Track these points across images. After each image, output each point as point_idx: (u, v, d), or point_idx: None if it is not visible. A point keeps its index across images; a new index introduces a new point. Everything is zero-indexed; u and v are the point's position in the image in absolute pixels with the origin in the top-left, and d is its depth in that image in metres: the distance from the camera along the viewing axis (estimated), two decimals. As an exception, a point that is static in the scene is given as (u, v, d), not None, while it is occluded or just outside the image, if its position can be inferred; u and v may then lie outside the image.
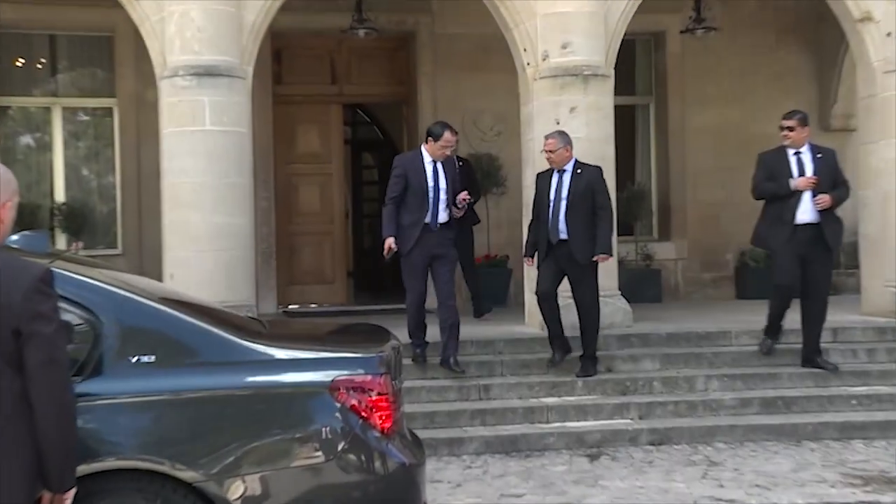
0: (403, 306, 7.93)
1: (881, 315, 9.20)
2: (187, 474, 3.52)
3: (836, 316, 9.04)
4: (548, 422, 7.49)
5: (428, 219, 7.53)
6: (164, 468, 3.50)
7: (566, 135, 7.81)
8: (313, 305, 11.73)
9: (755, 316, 8.78)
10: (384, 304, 11.32)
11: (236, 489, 3.59)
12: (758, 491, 6.02)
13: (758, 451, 7.10)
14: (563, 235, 7.60)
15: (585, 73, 8.74)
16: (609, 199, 7.84)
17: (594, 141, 8.74)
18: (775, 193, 7.94)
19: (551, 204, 7.66)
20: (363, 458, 3.77)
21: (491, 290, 10.51)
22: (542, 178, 7.85)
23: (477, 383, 7.86)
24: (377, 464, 3.78)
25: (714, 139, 12.18)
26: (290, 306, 11.58)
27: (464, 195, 7.79)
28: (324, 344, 4.45)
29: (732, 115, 12.13)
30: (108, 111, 11.38)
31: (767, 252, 8.97)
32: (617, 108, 9.21)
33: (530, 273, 9.09)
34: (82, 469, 3.44)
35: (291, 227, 11.86)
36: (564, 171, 7.68)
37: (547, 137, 7.81)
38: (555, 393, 7.82)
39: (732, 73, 12.20)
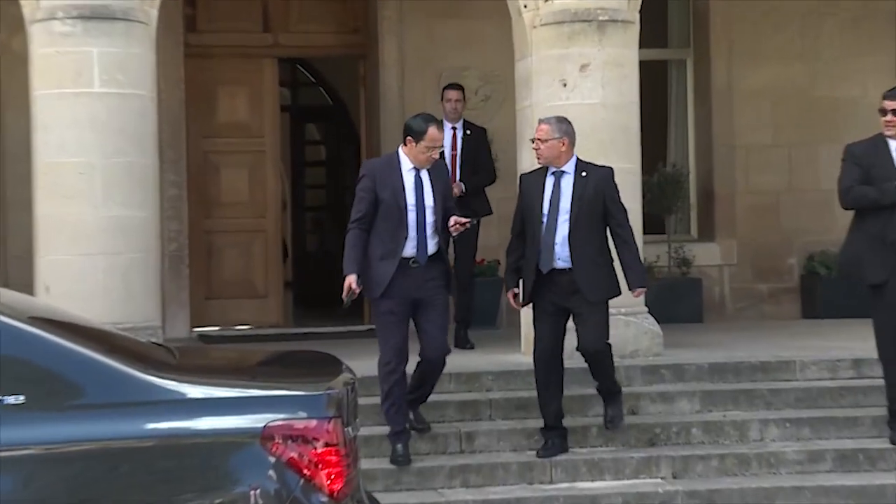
0: (360, 328, 7.92)
1: None
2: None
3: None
4: (551, 481, 7.49)
5: (409, 250, 7.17)
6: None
7: (567, 123, 7.47)
8: (239, 327, 11.69)
9: (827, 341, 8.83)
10: (334, 326, 11.30)
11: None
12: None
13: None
14: (563, 263, 7.31)
15: (601, 18, 8.77)
16: (626, 213, 7.53)
17: (612, 108, 8.77)
18: (876, 202, 7.51)
19: (544, 218, 7.34)
20: (305, 530, 3.78)
21: (477, 306, 10.53)
22: (531, 182, 7.56)
23: (457, 430, 7.84)
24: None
25: (772, 106, 12.24)
26: (208, 328, 11.54)
27: (458, 220, 7.27)
28: (253, 378, 4.45)
29: (795, 73, 12.20)
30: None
31: (860, 282, 7.90)
32: (643, 64, 9.24)
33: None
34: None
35: (210, 223, 11.82)
36: (563, 172, 7.37)
37: (540, 122, 7.55)
38: (561, 443, 7.82)
39: (795, 18, 12.27)
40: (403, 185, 7.19)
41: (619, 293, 7.48)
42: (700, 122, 12.56)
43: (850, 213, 7.85)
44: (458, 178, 9.58)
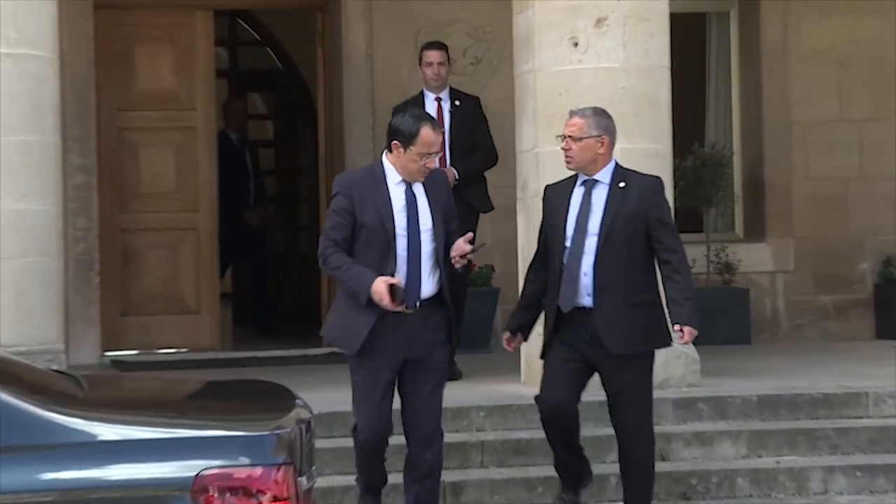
0: (317, 351, 7.92)
1: None
2: None
3: None
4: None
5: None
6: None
7: (608, 118, 7.13)
8: (164, 351, 11.69)
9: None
10: (283, 349, 11.32)
11: None
12: None
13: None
14: (588, 300, 6.93)
15: (623, -42, 8.83)
16: (678, 236, 7.16)
17: (636, 74, 8.80)
18: None
19: (568, 241, 6.97)
20: None
21: (467, 322, 10.53)
22: (555, 194, 7.23)
23: (441, 480, 7.87)
24: None
25: (838, 71, 12.28)
26: (123, 352, 11.53)
27: (463, 248, 6.76)
28: (182, 416, 4.47)
29: (868, 30, 12.24)
30: None
31: None
32: (676, 18, 9.28)
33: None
34: None
35: (126, 219, 11.83)
36: (596, 181, 6.99)
37: (572, 114, 7.12)
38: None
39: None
40: (391, 203, 6.72)
41: (661, 345, 7.14)
42: (747, 92, 12.61)
43: None
44: (448, 162, 9.53)
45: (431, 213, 6.77)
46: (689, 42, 11.68)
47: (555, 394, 7.00)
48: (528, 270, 7.37)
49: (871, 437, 8.48)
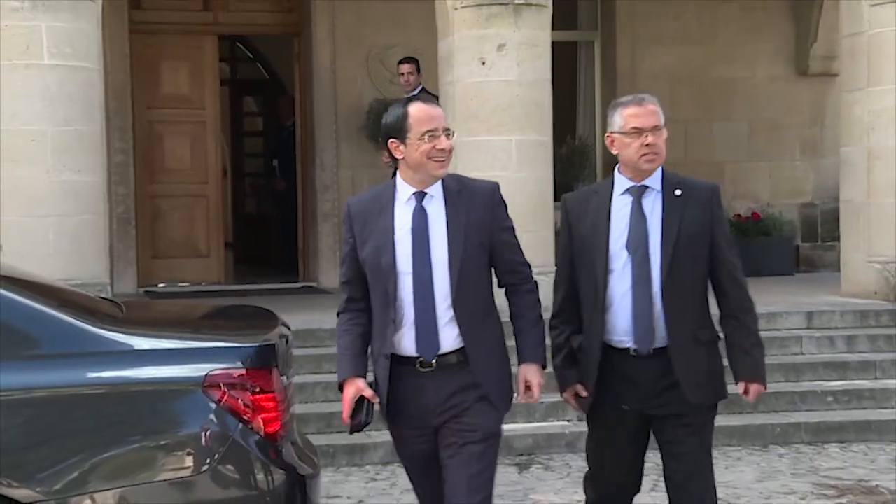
0: (295, 285, 7.78)
1: (863, 296, 9.50)
2: (21, 492, 3.51)
3: (812, 297, 9.32)
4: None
5: (406, 344, 3.93)
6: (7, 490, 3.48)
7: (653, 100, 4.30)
8: (183, 284, 11.63)
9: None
10: (270, 283, 11.32)
11: (85, 509, 3.59)
12: (716, 504, 6.04)
13: (718, 458, 7.25)
14: (663, 341, 4.13)
15: (517, 1, 8.78)
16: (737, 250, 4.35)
17: (527, 85, 8.81)
18: None
19: (615, 263, 4.15)
20: (244, 468, 3.80)
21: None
22: (585, 205, 4.31)
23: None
24: (261, 475, 3.81)
25: (671, 85, 12.37)
26: (154, 285, 11.47)
27: (530, 382, 4.03)
28: (195, 331, 4.46)
29: (693, 56, 12.34)
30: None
31: None
32: (555, 45, 9.29)
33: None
34: None
35: (155, 188, 11.73)
36: (646, 188, 4.19)
37: (640, 100, 4.25)
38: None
39: (694, 5, 12.39)
40: (393, 228, 3.92)
41: (723, 396, 4.26)
42: (606, 100, 12.61)
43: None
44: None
45: (449, 237, 3.88)
46: (565, 63, 11.70)
47: (619, 475, 4.33)
48: (555, 310, 4.31)
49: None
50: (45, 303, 3.89)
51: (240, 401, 3.76)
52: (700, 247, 4.13)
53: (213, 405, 3.73)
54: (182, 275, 11.77)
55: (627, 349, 4.11)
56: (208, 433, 3.72)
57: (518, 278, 4.01)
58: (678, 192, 4.16)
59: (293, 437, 4.13)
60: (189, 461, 3.71)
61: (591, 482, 4.42)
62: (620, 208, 4.17)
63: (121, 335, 3.90)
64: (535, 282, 4.06)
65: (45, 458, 3.59)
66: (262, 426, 3.79)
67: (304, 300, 10.12)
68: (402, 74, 9.90)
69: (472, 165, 8.66)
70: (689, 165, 11.84)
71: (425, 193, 3.91)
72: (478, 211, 3.91)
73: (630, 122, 4.14)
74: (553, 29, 9.15)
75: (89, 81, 8.37)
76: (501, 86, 8.68)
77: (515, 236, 4.03)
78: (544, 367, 4.03)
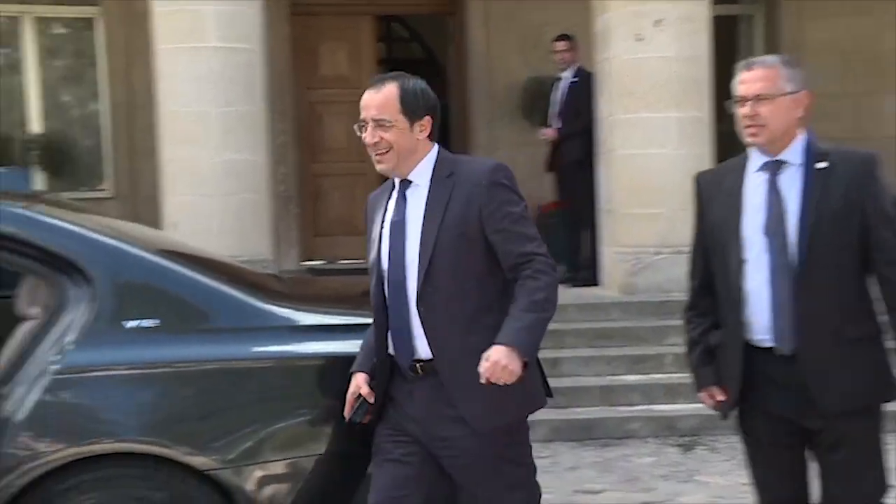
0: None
1: None
2: (198, 460, 3.61)
3: None
4: (631, 404, 7.51)
5: (392, 346, 3.51)
6: (171, 453, 3.59)
7: (798, 65, 3.67)
8: (343, 261, 11.80)
9: None
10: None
11: (257, 479, 3.67)
12: None
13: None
14: (790, 339, 3.53)
15: (677, -25, 8.63)
16: None
17: (684, 61, 8.64)
18: None
19: (748, 249, 3.57)
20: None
21: (559, 246, 10.46)
22: (718, 184, 3.75)
23: (542, 357, 7.87)
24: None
25: (839, 58, 11.94)
26: (315, 262, 11.66)
27: (495, 362, 3.22)
28: (357, 307, 4.49)
29: (863, 27, 11.87)
30: (90, 23, 11.46)
31: None
32: (715, 19, 9.08)
33: (608, 224, 9.04)
34: (73, 452, 3.56)
35: (315, 167, 11.91)
36: (782, 163, 3.58)
37: (751, 64, 3.61)
38: (639, 370, 7.80)
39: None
40: (383, 221, 3.59)
41: (890, 396, 3.62)
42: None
43: None
44: (561, 124, 9.54)
45: (423, 235, 3.39)
46: (725, 37, 11.41)
47: (777, 489, 3.76)
48: (688, 301, 3.85)
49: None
50: (216, 278, 3.97)
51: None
52: (848, 228, 3.47)
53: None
54: (342, 252, 11.92)
55: (770, 349, 3.53)
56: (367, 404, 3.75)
57: (519, 271, 3.32)
58: (822, 166, 3.52)
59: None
60: (352, 433, 3.76)
61: (754, 490, 3.84)
62: (755, 188, 3.58)
63: (286, 311, 3.96)
64: (545, 268, 3.32)
65: (218, 428, 3.69)
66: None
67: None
68: (557, 52, 9.83)
69: (629, 143, 8.60)
70: (857, 140, 11.47)
71: (410, 182, 3.48)
72: (462, 197, 3.36)
73: (737, 89, 3.59)
74: (714, 2, 8.95)
75: (251, 63, 8.56)
76: (659, 62, 8.53)
77: (523, 223, 3.38)
78: (525, 357, 3.25)
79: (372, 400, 3.49)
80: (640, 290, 8.51)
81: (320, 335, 3.96)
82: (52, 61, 11.58)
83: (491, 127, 11.69)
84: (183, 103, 8.38)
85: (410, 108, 3.41)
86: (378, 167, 3.48)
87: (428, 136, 3.47)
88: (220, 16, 8.36)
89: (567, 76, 9.69)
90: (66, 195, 8.88)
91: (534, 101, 11.01)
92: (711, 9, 8.88)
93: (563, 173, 9.74)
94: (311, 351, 3.89)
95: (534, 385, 3.52)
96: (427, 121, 3.45)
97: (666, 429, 7.23)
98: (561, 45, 9.83)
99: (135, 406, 3.60)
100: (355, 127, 3.53)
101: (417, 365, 3.41)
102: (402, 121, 3.40)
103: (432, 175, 3.44)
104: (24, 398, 3.59)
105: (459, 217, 3.33)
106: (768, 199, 3.53)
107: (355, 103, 10.58)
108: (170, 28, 8.40)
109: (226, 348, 3.77)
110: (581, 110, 9.42)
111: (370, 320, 3.58)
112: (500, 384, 3.20)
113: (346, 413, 3.54)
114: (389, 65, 15.53)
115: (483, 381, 3.19)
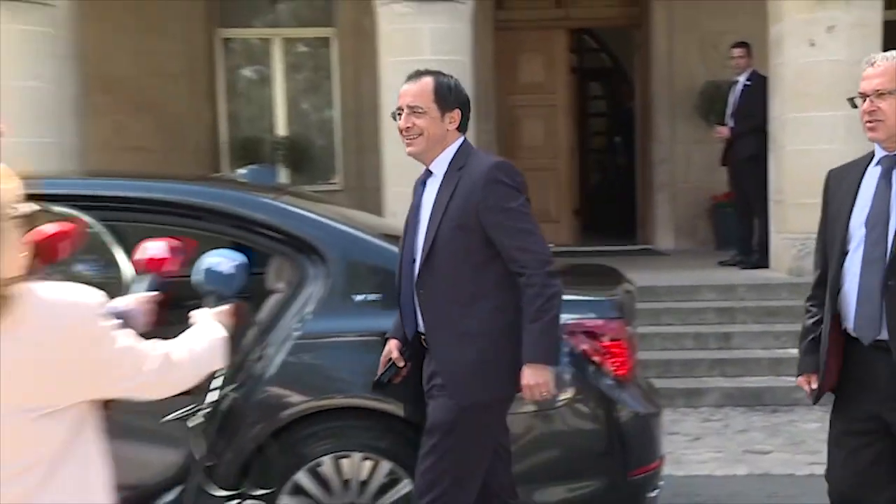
0: (635, 247, 7.69)
1: None
2: (413, 414, 3.65)
3: None
4: (797, 375, 7.23)
5: (403, 318, 3.47)
6: (391, 408, 3.65)
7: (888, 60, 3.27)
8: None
9: None
10: (612, 246, 11.27)
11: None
12: None
13: None
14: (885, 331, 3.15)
15: (849, -16, 8.22)
16: None
17: (855, 65, 8.18)
18: None
19: (852, 242, 3.29)
20: (596, 405, 3.81)
21: (731, 232, 10.18)
22: (841, 179, 3.44)
23: (716, 331, 7.70)
24: (611, 412, 3.81)
25: None
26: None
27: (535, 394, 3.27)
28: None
29: None
30: (326, 42, 11.79)
31: None
32: (887, 24, 8.60)
33: (777, 213, 8.73)
34: (313, 405, 3.68)
35: (514, 163, 11.85)
36: None
37: (874, 61, 3.26)
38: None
39: None
40: (420, 206, 3.47)
41: None
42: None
43: None
44: (734, 123, 9.28)
45: (429, 223, 3.34)
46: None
47: (841, 480, 3.36)
48: (811, 289, 3.49)
49: None
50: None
51: (593, 347, 3.77)
52: None
53: (569, 350, 3.75)
54: (536, 237, 11.94)
55: (858, 339, 3.19)
56: (565, 374, 3.74)
57: (517, 266, 3.23)
58: None
59: (638, 381, 4.10)
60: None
61: (826, 478, 3.42)
62: (870, 181, 3.24)
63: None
64: (536, 269, 3.21)
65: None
66: (612, 370, 3.79)
67: (642, 261, 10.02)
68: (734, 58, 9.53)
69: (799, 140, 8.31)
70: None
71: (431, 172, 3.40)
72: (465, 191, 3.25)
73: (860, 85, 3.23)
74: (885, 8, 8.48)
75: (461, 73, 8.52)
76: (830, 65, 8.14)
77: (519, 218, 3.25)
78: (549, 364, 3.21)
79: (401, 364, 3.45)
80: (806, 273, 8.07)
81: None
82: (294, 75, 11.97)
83: (671, 126, 11.46)
84: (400, 109, 8.51)
85: (443, 98, 3.33)
86: (407, 150, 3.38)
87: (457, 129, 3.38)
88: (435, 33, 8.45)
89: (741, 79, 9.38)
90: (305, 188, 9.19)
91: (710, 102, 10.76)
92: (883, 14, 8.42)
93: (735, 167, 9.46)
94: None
95: (515, 370, 3.24)
96: (457, 113, 3.37)
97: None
98: (738, 51, 9.52)
99: (362, 368, 3.67)
100: (392, 114, 3.40)
101: (422, 337, 3.37)
102: (434, 109, 3.32)
103: (448, 166, 3.35)
104: (273, 358, 3.74)
105: (460, 209, 3.24)
106: (875, 192, 3.20)
107: (549, 107, 10.69)
108: (392, 44, 8.55)
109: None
110: (753, 111, 9.10)
111: (567, 297, 3.54)
112: (539, 397, 3.24)
113: (379, 372, 3.50)
114: (580, 73, 15.45)
115: (536, 398, 3.25)
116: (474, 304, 3.25)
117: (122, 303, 2.53)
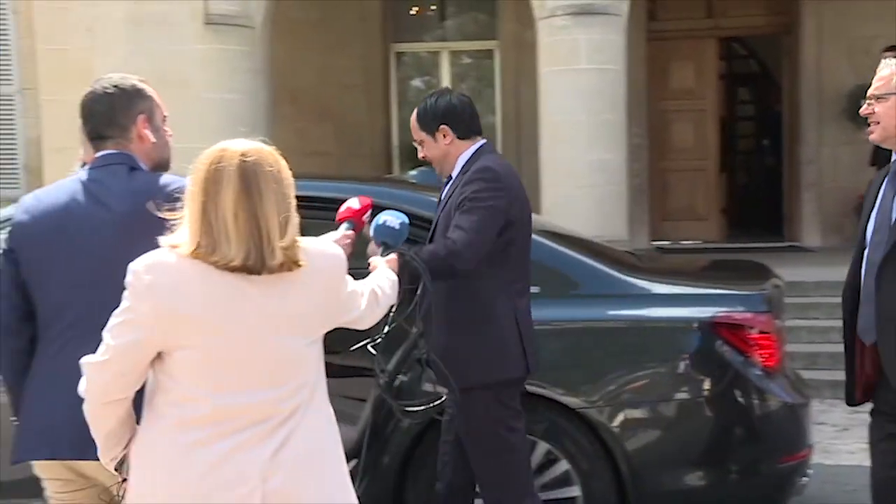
0: (782, 244, 7.37)
1: None
2: (571, 400, 3.63)
3: None
4: None
5: None
6: (549, 393, 3.62)
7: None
8: (685, 242, 11.52)
9: None
10: (760, 243, 10.89)
11: (617, 418, 3.63)
12: None
13: None
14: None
15: None
16: None
17: None
18: None
19: (868, 244, 3.08)
20: (745, 395, 3.67)
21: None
22: (875, 182, 3.21)
23: (817, 326, 7.31)
24: (761, 401, 3.67)
25: None
26: (662, 242, 11.46)
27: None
28: (702, 280, 4.36)
29: None
30: (489, 53, 11.80)
31: None
32: None
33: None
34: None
35: (664, 164, 11.67)
36: None
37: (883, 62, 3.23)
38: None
39: None
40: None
41: None
42: None
43: None
44: None
45: (436, 217, 3.38)
46: None
47: (877, 477, 3.14)
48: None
49: None
50: (584, 253, 3.99)
51: (742, 339, 3.63)
52: None
53: (719, 342, 3.63)
54: (685, 234, 11.66)
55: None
56: (714, 365, 3.63)
57: (448, 238, 3.10)
58: None
59: (786, 372, 3.92)
60: (699, 385, 3.65)
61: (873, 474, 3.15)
62: (888, 186, 3.02)
63: (642, 281, 3.89)
64: (459, 245, 3.04)
65: (584, 375, 3.69)
66: (761, 361, 3.64)
67: (789, 257, 9.62)
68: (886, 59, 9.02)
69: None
70: None
71: (451, 177, 3.35)
72: (458, 192, 3.20)
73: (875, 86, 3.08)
74: None
75: (615, 80, 8.47)
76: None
77: (474, 210, 3.09)
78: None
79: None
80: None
81: (669, 303, 3.86)
82: (460, 84, 12.04)
83: (818, 129, 10.96)
84: (561, 114, 8.44)
85: (426, 124, 3.31)
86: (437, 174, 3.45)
87: (460, 137, 3.29)
88: (591, 43, 8.32)
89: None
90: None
91: (858, 105, 10.16)
92: None
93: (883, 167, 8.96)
94: (661, 315, 3.79)
95: (496, 356, 3.18)
96: (444, 128, 3.28)
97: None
98: (890, 54, 9.00)
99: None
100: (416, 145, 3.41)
101: None
102: (424, 136, 3.33)
103: (459, 170, 3.31)
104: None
105: (453, 206, 3.20)
106: (882, 196, 3.01)
107: (700, 112, 10.34)
108: (552, 54, 8.47)
109: (592, 311, 3.77)
110: None
111: (710, 291, 3.46)
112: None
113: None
114: (729, 79, 14.99)
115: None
116: (459, 290, 3.18)
117: (332, 238, 2.78)
